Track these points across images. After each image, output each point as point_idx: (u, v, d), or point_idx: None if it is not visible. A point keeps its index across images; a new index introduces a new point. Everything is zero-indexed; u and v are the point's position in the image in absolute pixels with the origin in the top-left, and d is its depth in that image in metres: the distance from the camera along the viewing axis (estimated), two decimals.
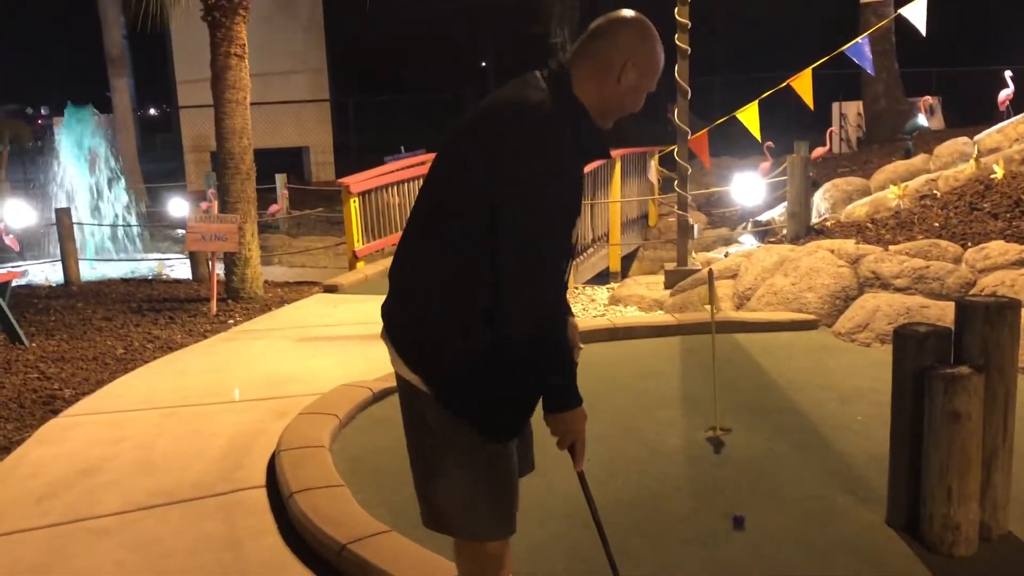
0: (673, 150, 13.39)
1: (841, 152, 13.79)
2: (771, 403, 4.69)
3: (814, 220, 9.92)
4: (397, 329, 2.24)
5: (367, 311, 7.42)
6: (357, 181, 9.40)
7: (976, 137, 9.93)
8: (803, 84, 10.04)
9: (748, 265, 6.81)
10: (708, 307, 4.27)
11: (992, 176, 7.02)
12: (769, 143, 11.87)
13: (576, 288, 8.27)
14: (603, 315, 7.02)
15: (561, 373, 2.09)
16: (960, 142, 9.73)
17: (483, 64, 30.47)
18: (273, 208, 13.74)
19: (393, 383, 5.11)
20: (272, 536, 3.45)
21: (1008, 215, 6.53)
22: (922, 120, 11.48)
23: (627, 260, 10.53)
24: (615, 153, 10.17)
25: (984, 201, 6.94)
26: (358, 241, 9.33)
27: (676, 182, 7.67)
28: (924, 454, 3.04)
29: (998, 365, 3.01)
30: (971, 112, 14.68)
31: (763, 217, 10.59)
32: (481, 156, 2.01)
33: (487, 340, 2.07)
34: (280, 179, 14.02)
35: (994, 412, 3.02)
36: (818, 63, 11.09)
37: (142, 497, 3.82)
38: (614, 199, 9.83)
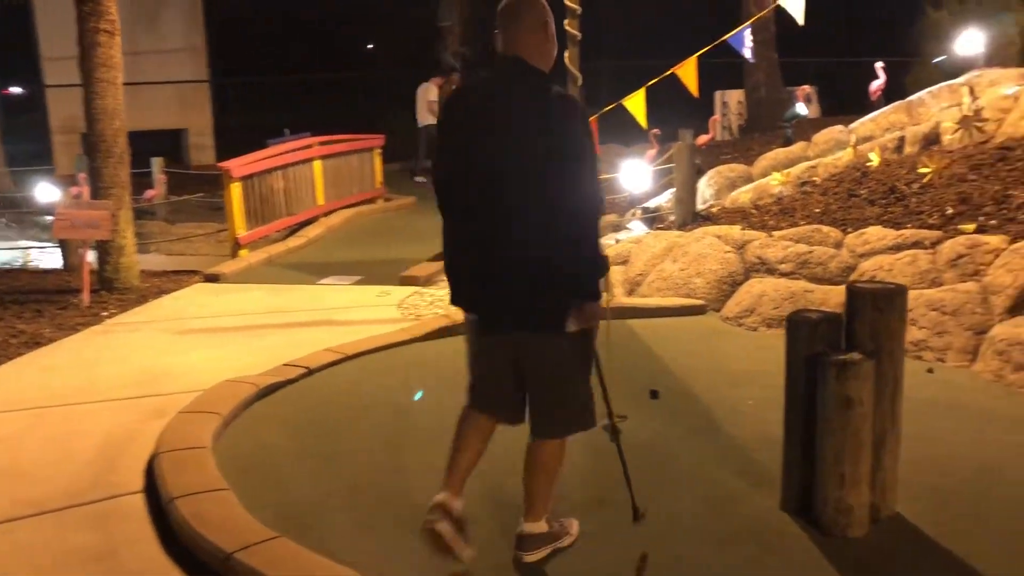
0: None
1: (724, 139, 14.12)
2: (664, 388, 4.71)
3: (700, 206, 10.11)
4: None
5: (250, 301, 7.15)
6: (239, 165, 9.04)
7: (851, 126, 10.31)
8: (688, 72, 10.20)
9: (638, 251, 6.85)
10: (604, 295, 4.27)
11: (868, 164, 7.27)
12: (655, 130, 12.02)
13: None
14: None
15: None
16: (836, 130, 10.05)
17: (369, 46, 29.90)
18: (149, 193, 13.09)
19: (278, 378, 4.88)
20: (151, 545, 3.23)
21: (883, 201, 6.77)
22: (801, 108, 11.84)
23: None
24: None
25: (861, 188, 7.19)
26: (241, 228, 8.98)
27: None
28: (817, 439, 3.08)
29: (888, 350, 3.07)
30: (845, 101, 15.27)
31: (651, 204, 10.71)
32: None
33: None
34: (157, 163, 13.37)
35: (883, 396, 3.09)
36: (702, 51, 11.30)
37: (7, 506, 3.54)
38: None
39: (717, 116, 14.20)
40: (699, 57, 9.85)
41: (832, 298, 5.66)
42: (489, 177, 2.76)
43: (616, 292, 6.53)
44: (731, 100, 14.92)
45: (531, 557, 3.00)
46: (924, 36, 16.92)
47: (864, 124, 10.18)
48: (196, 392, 4.70)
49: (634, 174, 10.82)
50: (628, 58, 17.35)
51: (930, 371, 4.85)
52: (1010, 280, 5.02)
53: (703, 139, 12.50)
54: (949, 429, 4.06)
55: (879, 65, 11.68)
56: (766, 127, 14.10)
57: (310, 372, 5.06)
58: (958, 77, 11.89)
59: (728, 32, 10.02)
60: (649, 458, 3.84)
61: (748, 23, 10.01)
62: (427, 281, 7.75)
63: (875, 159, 7.19)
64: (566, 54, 7.31)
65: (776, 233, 6.48)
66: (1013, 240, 5.39)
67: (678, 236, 6.81)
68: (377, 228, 10.90)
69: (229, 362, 5.38)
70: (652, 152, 12.08)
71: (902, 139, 7.94)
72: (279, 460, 3.92)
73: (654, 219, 8.26)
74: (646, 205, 8.63)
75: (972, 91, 7.52)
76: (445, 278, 3.00)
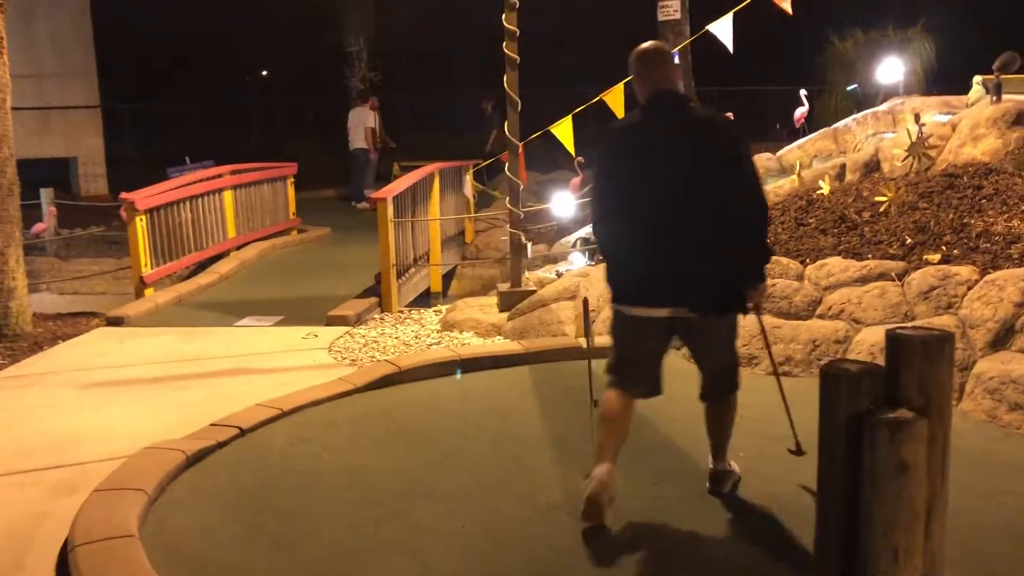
0: (488, 164, 13.12)
1: None
2: (646, 440, 4.30)
3: None
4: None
5: (162, 347, 6.45)
6: (144, 197, 8.30)
7: (778, 153, 10.26)
8: (616, 99, 10.00)
9: (587, 285, 6.48)
10: (582, 339, 3.86)
11: (818, 192, 7.10)
12: (580, 158, 11.77)
13: (401, 312, 7.65)
14: (439, 343, 6.45)
15: None
16: (764, 158, 9.98)
17: (264, 73, 29.00)
18: (38, 227, 12.05)
19: (208, 441, 4.26)
20: None
21: (835, 230, 6.58)
22: None
23: (446, 278, 10.02)
24: (432, 167, 9.65)
25: (809, 216, 6.99)
26: (146, 264, 8.23)
27: (508, 199, 7.24)
28: (864, 510, 2.70)
29: (937, 405, 2.72)
30: (760, 130, 15.40)
31: (582, 233, 10.41)
32: None
33: None
34: (46, 194, 12.34)
35: (934, 457, 2.73)
36: (628, 79, 11.09)
37: None
38: (433, 217, 9.28)
39: None
40: (625, 84, 9.69)
41: (801, 334, 5.38)
42: (684, 189, 3.30)
43: (567, 330, 6.12)
44: None
45: (727, 488, 3.69)
46: (831, 65, 17.33)
47: (791, 151, 10.15)
48: (111, 461, 4.06)
49: (562, 202, 10.52)
50: (549, 87, 17.19)
51: None
52: (990, 313, 4.83)
53: None
54: (961, 482, 3.75)
55: (803, 93, 11.73)
56: None
57: (243, 432, 4.46)
58: (874, 104, 12.07)
59: None
60: (645, 530, 3.42)
61: (675, 49, 9.87)
62: (358, 320, 7.19)
63: (825, 187, 7.01)
64: (505, 78, 6.94)
65: None
66: (983, 271, 5.23)
67: None
68: (295, 261, 10.25)
69: (146, 422, 4.73)
70: (578, 180, 11.81)
71: (843, 166, 7.82)
72: (222, 547, 3.33)
73: (593, 250, 7.91)
74: (584, 235, 8.28)
75: (918, 118, 7.46)
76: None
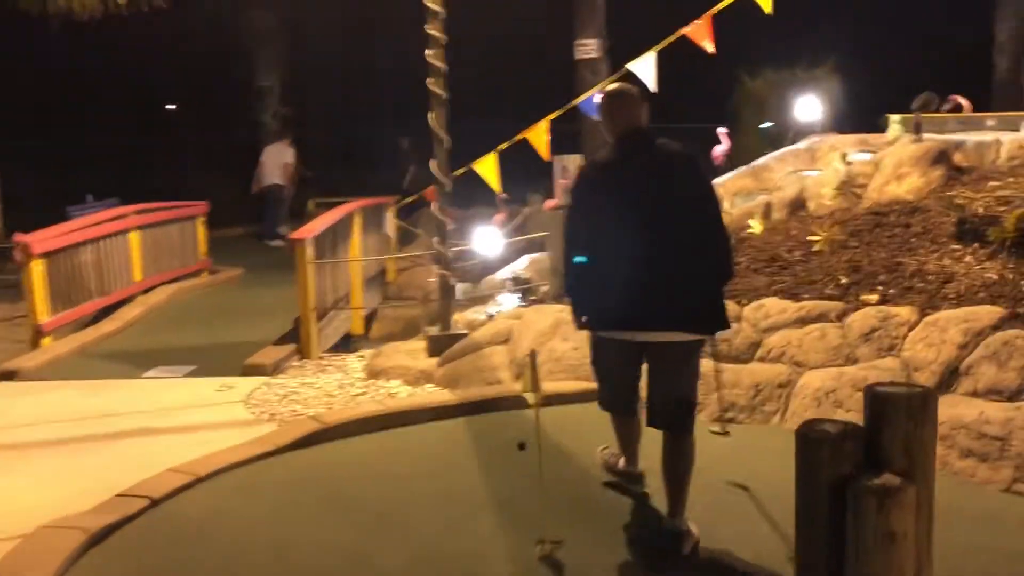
0: (410, 201, 12.81)
1: (563, 204, 13.91)
2: (592, 497, 4.06)
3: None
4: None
5: (61, 404, 5.93)
6: (41, 239, 7.73)
7: None
8: (538, 136, 9.89)
9: (521, 329, 6.24)
10: (529, 395, 3.61)
11: (749, 231, 7.04)
12: (502, 195, 11.61)
13: (322, 358, 7.26)
14: (364, 392, 6.09)
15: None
16: None
17: (168, 107, 28.10)
18: None
19: (114, 515, 3.81)
20: None
21: (768, 270, 6.51)
22: None
23: (367, 320, 9.65)
24: (353, 205, 9.32)
25: (739, 255, 6.91)
26: (44, 312, 7.64)
27: (435, 238, 6.97)
28: None
29: (923, 467, 2.55)
30: None
31: (506, 272, 10.21)
32: None
33: None
34: None
35: (920, 522, 2.56)
36: (554, 115, 11.04)
37: None
38: (355, 257, 8.93)
39: (562, 181, 14.00)
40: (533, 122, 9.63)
41: (744, 379, 5.24)
42: (658, 222, 3.49)
43: (502, 376, 5.86)
44: (571, 165, 14.78)
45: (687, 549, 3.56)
46: (743, 103, 17.66)
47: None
48: (3, 542, 3.59)
49: (489, 240, 10.30)
50: (476, 121, 17.05)
51: None
52: (933, 355, 4.76)
53: (551, 203, 12.19)
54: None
55: (722, 131, 11.84)
56: None
57: (154, 503, 4.04)
58: (784, 143, 12.25)
59: (559, 97, 9.85)
60: None
61: (597, 87, 9.84)
62: (276, 369, 6.79)
63: (757, 226, 6.96)
64: (431, 115, 6.71)
65: None
66: (923, 311, 5.19)
67: (563, 311, 6.23)
68: (206, 305, 9.72)
69: (42, 493, 4.27)
70: (500, 216, 11.65)
71: (769, 205, 7.81)
72: None
73: (525, 290, 7.69)
74: (517, 275, 8.06)
75: (844, 157, 7.50)
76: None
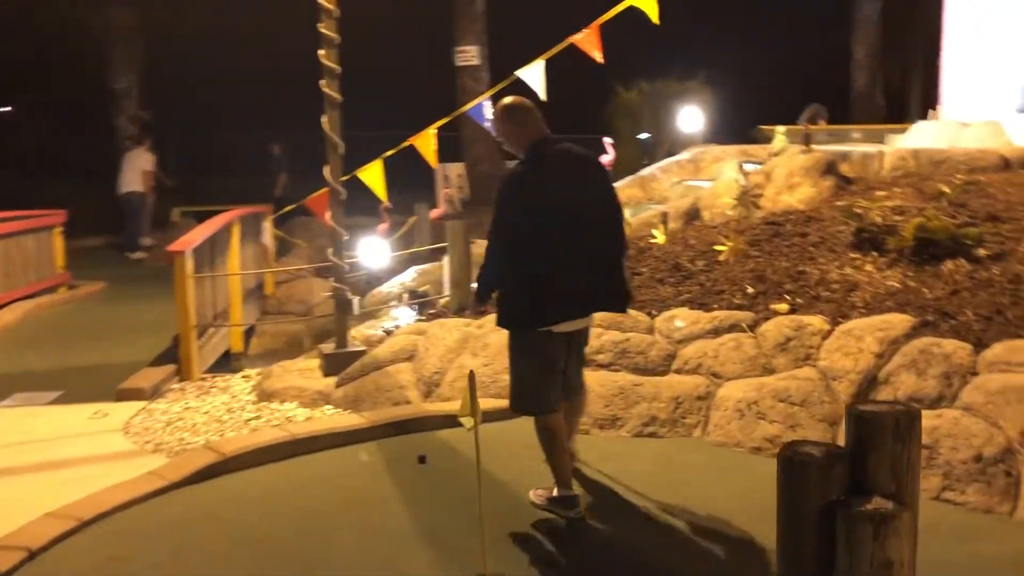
0: (288, 210, 12.23)
1: (450, 214, 13.64)
2: (523, 521, 3.82)
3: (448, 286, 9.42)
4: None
5: None
6: None
7: None
8: (425, 143, 9.63)
9: (427, 345, 5.95)
10: (466, 419, 3.33)
11: (652, 240, 6.98)
12: (385, 204, 11.27)
13: (204, 379, 6.74)
14: (258, 416, 5.66)
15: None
16: None
17: (6, 109, 26.09)
18: None
19: None
20: None
21: (672, 280, 6.46)
22: None
23: (246, 336, 9.10)
24: (231, 215, 8.78)
25: (641, 265, 6.85)
26: None
27: (331, 251, 6.59)
28: None
29: (910, 491, 2.45)
30: None
31: (393, 284, 9.87)
32: None
33: None
34: None
35: (912, 548, 2.45)
36: (441, 122, 10.78)
37: None
38: (234, 270, 8.39)
39: (450, 189, 13.74)
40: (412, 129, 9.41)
41: (663, 391, 5.13)
42: (589, 213, 3.91)
43: (410, 396, 5.55)
44: (451, 174, 14.55)
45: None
46: (617, 114, 17.91)
47: None
48: None
49: (371, 251, 9.94)
50: (359, 128, 16.55)
51: None
52: (851, 364, 4.78)
53: (435, 213, 11.92)
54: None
55: (607, 141, 11.87)
56: (491, 201, 13.86)
57: (32, 555, 3.54)
58: (660, 153, 12.46)
59: (440, 106, 9.63)
60: None
61: (486, 95, 9.68)
62: (155, 393, 6.26)
63: (660, 236, 6.90)
64: (323, 119, 6.34)
65: None
66: (834, 320, 5.22)
67: (472, 325, 5.99)
68: (67, 324, 8.94)
69: None
70: (384, 226, 11.29)
71: (665, 215, 7.80)
72: None
73: (422, 304, 7.39)
74: (412, 288, 7.74)
75: (741, 167, 7.57)
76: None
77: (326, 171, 6.42)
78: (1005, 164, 7.52)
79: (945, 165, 7.57)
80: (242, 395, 6.28)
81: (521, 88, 9.04)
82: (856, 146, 9.42)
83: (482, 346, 5.73)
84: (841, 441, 4.53)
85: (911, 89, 19.10)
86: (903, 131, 11.50)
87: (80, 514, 3.87)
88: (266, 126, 17.76)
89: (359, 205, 12.23)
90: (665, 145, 16.09)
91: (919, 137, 9.65)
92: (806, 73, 18.27)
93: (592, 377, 5.27)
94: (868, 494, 2.43)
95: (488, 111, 9.72)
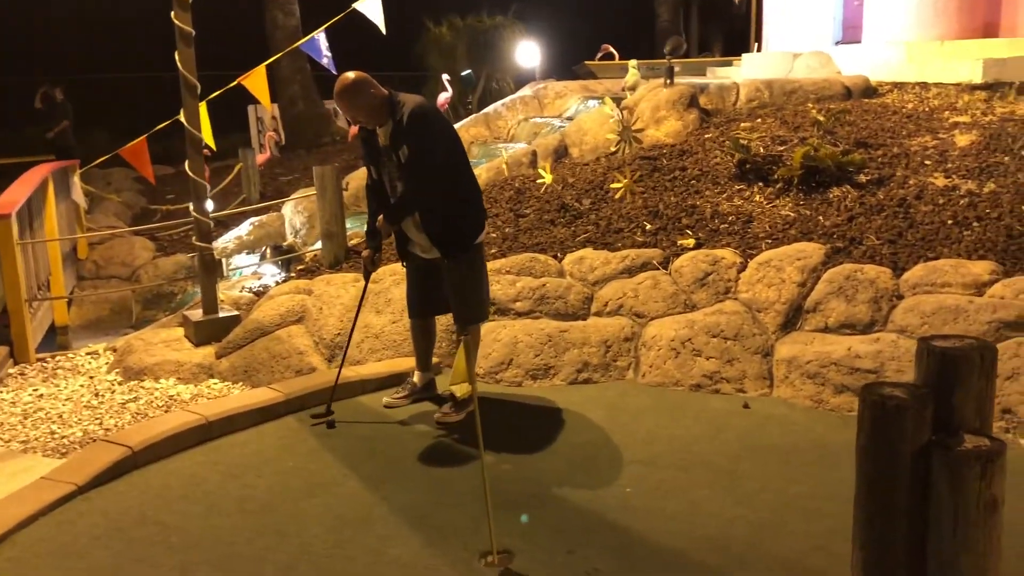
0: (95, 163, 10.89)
1: (275, 157, 12.72)
2: (507, 490, 3.56)
3: (290, 238, 8.80)
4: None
5: None
6: None
7: None
8: (258, 83, 8.86)
9: (320, 304, 5.45)
10: (457, 387, 2.99)
11: (540, 181, 6.74)
12: (206, 150, 10.34)
13: (45, 362, 5.88)
14: (136, 398, 4.98)
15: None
16: None
17: None
18: None
19: None
20: None
21: (563, 220, 6.28)
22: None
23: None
24: (43, 170, 7.67)
25: (524, 207, 6.63)
26: None
27: (192, 205, 5.87)
28: (943, 559, 2.31)
29: (989, 427, 2.42)
30: None
31: (227, 239, 9.11)
32: None
33: None
34: None
35: None
36: (272, 59, 9.96)
37: None
38: (51, 234, 7.35)
39: (271, 133, 12.78)
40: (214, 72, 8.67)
41: (591, 336, 4.98)
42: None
43: (314, 362, 5.08)
44: (265, 116, 13.57)
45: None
46: (428, 51, 17.40)
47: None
48: None
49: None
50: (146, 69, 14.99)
51: (746, 406, 4.41)
52: (775, 295, 4.83)
53: (261, 158, 11.06)
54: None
55: (445, 78, 11.45)
56: (310, 144, 13.07)
57: None
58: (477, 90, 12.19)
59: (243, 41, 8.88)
60: None
61: (322, 28, 9.02)
62: None
63: (547, 176, 6.68)
64: (177, 54, 5.58)
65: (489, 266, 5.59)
66: (744, 253, 5.26)
67: (360, 281, 5.53)
68: None
69: None
70: (207, 173, 10.31)
71: (534, 153, 7.60)
72: None
73: (289, 260, 6.80)
74: (278, 244, 7.10)
75: (618, 103, 7.45)
76: None
77: (182, 115, 5.67)
78: (848, 93, 7.90)
79: (796, 95, 7.85)
80: (101, 375, 5.52)
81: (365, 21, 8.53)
82: (723, 79, 9.54)
83: (385, 302, 5.32)
84: (775, 372, 4.60)
85: (712, 23, 19.82)
86: (726, 64, 11.90)
87: None
88: (42, 69, 15.79)
89: (176, 151, 11.18)
90: (481, 82, 15.87)
91: (752, 68, 9.99)
92: (613, 7, 18.53)
93: (517, 326, 5.05)
94: (954, 432, 2.38)
95: (324, 46, 9.05)
